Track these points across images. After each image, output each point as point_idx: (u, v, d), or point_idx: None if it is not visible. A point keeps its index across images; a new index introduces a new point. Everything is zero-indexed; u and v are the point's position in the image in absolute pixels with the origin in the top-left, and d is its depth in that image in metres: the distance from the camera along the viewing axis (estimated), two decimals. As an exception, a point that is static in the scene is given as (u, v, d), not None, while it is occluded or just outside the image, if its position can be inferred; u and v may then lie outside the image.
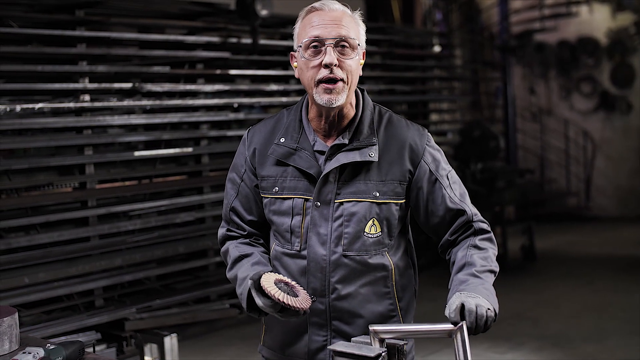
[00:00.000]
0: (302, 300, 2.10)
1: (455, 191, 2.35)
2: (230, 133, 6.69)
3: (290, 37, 7.40)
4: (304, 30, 2.26)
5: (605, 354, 5.54)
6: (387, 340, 1.98)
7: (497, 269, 2.27)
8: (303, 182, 2.30)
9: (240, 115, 6.81)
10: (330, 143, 2.31)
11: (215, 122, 6.67)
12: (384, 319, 2.33)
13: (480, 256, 2.27)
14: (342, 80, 2.23)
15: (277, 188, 2.33)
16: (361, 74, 2.34)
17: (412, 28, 10.09)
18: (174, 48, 6.34)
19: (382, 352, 1.93)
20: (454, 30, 11.28)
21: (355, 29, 2.28)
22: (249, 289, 2.20)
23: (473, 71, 11.93)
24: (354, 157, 2.26)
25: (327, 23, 2.24)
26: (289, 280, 2.16)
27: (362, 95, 2.38)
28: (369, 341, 1.99)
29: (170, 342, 5.23)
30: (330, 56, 2.21)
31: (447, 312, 2.02)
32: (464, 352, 1.92)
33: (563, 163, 12.61)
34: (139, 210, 6.07)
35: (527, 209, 9.49)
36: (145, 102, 6.01)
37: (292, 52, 2.34)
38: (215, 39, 6.54)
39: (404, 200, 2.33)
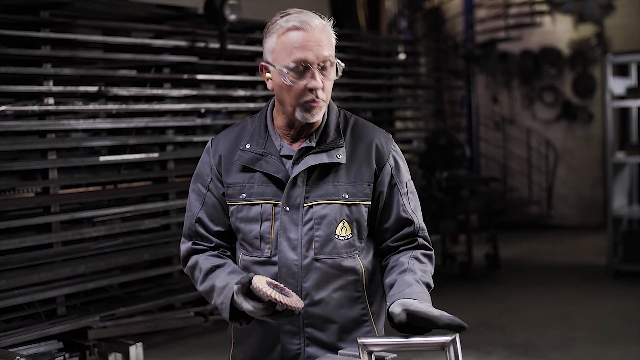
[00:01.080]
0: (295, 300, 2.05)
1: (410, 201, 2.35)
2: (196, 139, 6.60)
3: (258, 42, 7.39)
4: (285, 50, 2.19)
5: (573, 363, 5.56)
6: (375, 353, 1.92)
7: (432, 285, 2.26)
8: (271, 187, 2.27)
9: (207, 121, 6.73)
10: (297, 147, 2.29)
11: (182, 127, 6.58)
12: (357, 324, 2.30)
13: (420, 268, 2.27)
14: (323, 99, 2.21)
15: (244, 194, 2.29)
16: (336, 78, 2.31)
17: (378, 35, 10.08)
18: (140, 52, 6.23)
19: (372, 366, 1.87)
20: (419, 38, 11.29)
21: (332, 44, 2.25)
22: (232, 297, 2.13)
23: (437, 79, 11.97)
24: (322, 159, 2.24)
25: (311, 45, 2.18)
26: (277, 283, 2.10)
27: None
28: (357, 354, 1.93)
29: (136, 351, 5.14)
30: (317, 81, 2.18)
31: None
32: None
33: (525, 172, 12.70)
34: (103, 217, 5.95)
35: (491, 218, 9.51)
36: (111, 106, 5.90)
37: (263, 63, 2.27)
38: (182, 43, 6.45)
39: (372, 202, 2.31)
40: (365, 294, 2.32)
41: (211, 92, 6.80)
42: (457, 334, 1.94)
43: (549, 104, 12.55)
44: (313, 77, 2.17)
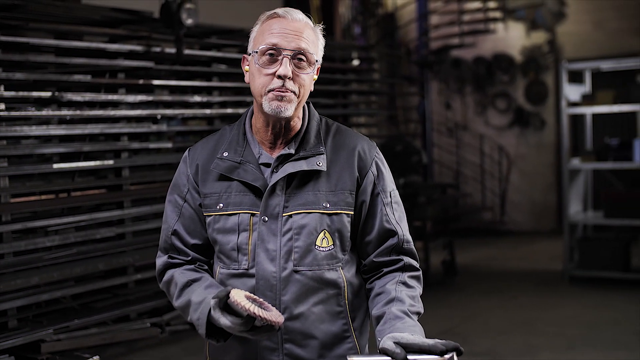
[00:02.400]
0: (275, 315, 1.94)
1: (395, 211, 2.26)
2: (152, 145, 6.45)
3: (214, 47, 7.27)
4: (261, 36, 2.15)
5: (537, 370, 5.54)
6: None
7: (422, 311, 2.18)
8: (249, 196, 2.17)
9: (163, 127, 6.58)
10: (275, 155, 2.20)
11: (137, 133, 6.42)
12: (338, 340, 2.20)
13: (409, 294, 2.17)
14: (293, 92, 2.13)
15: (221, 204, 2.19)
16: (312, 89, 2.24)
17: (332, 41, 10.02)
18: (95, 56, 6.06)
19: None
20: (374, 44, 11.27)
21: (315, 43, 2.19)
22: (209, 312, 2.03)
23: (390, 86, 11.96)
24: (301, 166, 2.16)
25: (287, 32, 2.13)
26: (256, 297, 2.00)
27: (309, 107, 2.30)
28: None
29: (92, 365, 4.96)
30: (286, 68, 2.11)
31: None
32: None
33: (478, 178, 12.77)
34: (57, 226, 5.76)
35: (447, 224, 9.51)
36: (65, 112, 5.72)
37: (244, 55, 2.23)
38: (138, 48, 6.30)
39: (354, 212, 2.22)
40: (347, 308, 2.22)
41: (168, 98, 6.65)
42: (455, 353, 1.86)
43: (502, 111, 12.63)
44: (283, 63, 2.11)
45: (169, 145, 6.64)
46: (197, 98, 6.81)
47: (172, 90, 6.95)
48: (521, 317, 6.95)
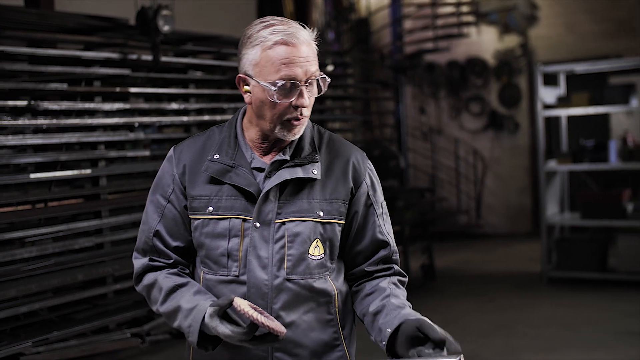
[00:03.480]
0: (278, 324, 1.91)
1: (386, 222, 2.27)
2: (130, 154, 6.39)
3: (190, 54, 7.22)
4: (271, 65, 2.05)
5: (520, 372, 5.56)
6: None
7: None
8: (240, 201, 2.13)
9: (141, 135, 6.52)
10: (269, 160, 2.17)
11: (114, 142, 6.35)
12: (328, 348, 2.19)
13: (401, 293, 2.21)
14: (306, 117, 2.13)
15: (211, 208, 2.14)
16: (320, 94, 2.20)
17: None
18: (70, 64, 5.99)
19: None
20: (349, 49, 11.27)
21: (316, 57, 2.13)
22: (202, 320, 2.00)
23: (365, 91, 11.97)
24: (297, 173, 2.13)
25: (299, 60, 2.05)
26: (256, 307, 1.96)
27: None
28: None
29: (74, 377, 4.90)
30: (305, 99, 2.07)
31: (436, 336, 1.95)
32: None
33: (454, 182, 12.81)
34: (34, 237, 5.68)
35: (425, 228, 9.52)
36: (41, 121, 5.64)
37: (242, 75, 2.13)
38: (114, 55, 6.23)
39: (345, 221, 2.21)
40: (338, 317, 2.21)
41: (145, 105, 6.59)
42: (462, 355, 1.85)
43: (476, 114, 12.69)
44: (301, 94, 2.06)
45: (147, 153, 6.58)
46: (174, 105, 6.76)
47: (149, 97, 6.89)
48: (501, 319, 6.96)
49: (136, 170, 6.53)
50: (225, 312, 1.95)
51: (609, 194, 8.38)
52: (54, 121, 5.75)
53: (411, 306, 2.16)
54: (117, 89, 6.28)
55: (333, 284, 2.19)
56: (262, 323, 1.86)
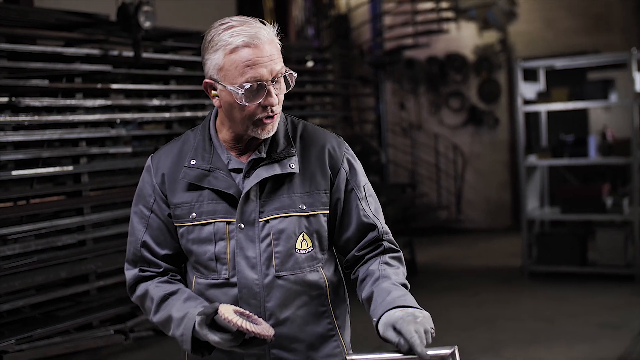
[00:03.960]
0: (265, 328, 1.92)
1: (370, 205, 2.25)
2: (112, 150, 6.36)
3: (171, 50, 7.20)
4: (235, 69, 2.02)
5: (504, 365, 5.60)
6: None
7: (409, 286, 2.19)
8: (222, 204, 2.12)
9: (122, 132, 6.49)
10: (245, 160, 2.16)
11: (95, 138, 6.32)
12: (324, 339, 2.21)
13: (393, 271, 2.18)
14: (277, 114, 2.11)
15: (194, 214, 2.13)
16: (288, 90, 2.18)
17: (286, 43, 10.00)
18: (51, 60, 5.96)
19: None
20: (329, 46, 11.28)
21: (280, 54, 2.09)
22: (193, 328, 2.00)
23: (345, 87, 11.98)
24: (274, 170, 2.12)
25: (263, 60, 2.02)
26: (244, 310, 1.97)
27: None
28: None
29: (58, 374, 4.88)
30: (273, 98, 2.05)
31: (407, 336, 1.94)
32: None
33: (434, 177, 12.86)
34: (16, 234, 5.64)
35: (406, 223, 9.56)
36: (22, 118, 5.61)
37: (207, 80, 2.10)
38: (95, 52, 6.20)
39: (329, 210, 2.21)
40: (331, 307, 2.22)
41: (126, 102, 6.56)
42: (456, 347, 1.87)
43: (456, 110, 12.74)
44: (269, 94, 2.04)
45: (129, 150, 6.56)
46: (155, 102, 6.74)
47: (130, 94, 6.87)
48: (483, 314, 7.01)
49: (118, 167, 6.51)
50: (213, 320, 1.94)
51: (589, 189, 8.45)
52: (35, 118, 5.71)
53: (403, 283, 2.16)
54: (99, 86, 6.25)
55: (324, 275, 2.20)
56: (247, 329, 1.86)
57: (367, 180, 2.30)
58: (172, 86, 6.99)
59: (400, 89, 13.06)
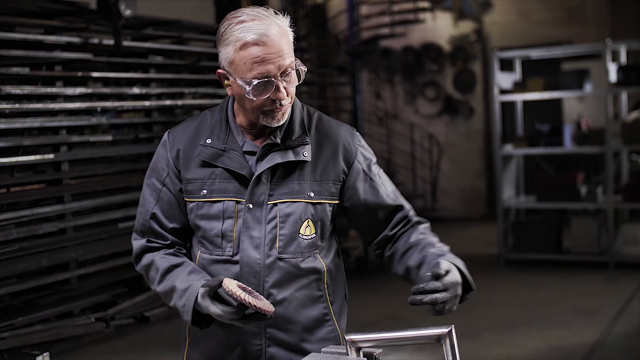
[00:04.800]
0: (267, 304, 1.98)
1: (387, 188, 2.33)
2: (92, 139, 6.36)
3: (150, 39, 7.20)
4: (244, 65, 2.07)
5: (483, 350, 5.68)
6: (364, 349, 1.87)
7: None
8: (233, 183, 2.19)
9: (103, 120, 6.50)
10: (260, 143, 2.22)
11: (76, 127, 6.32)
12: (319, 323, 2.27)
13: (434, 239, 2.29)
14: (287, 105, 2.16)
15: (205, 191, 2.20)
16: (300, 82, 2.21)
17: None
18: (32, 48, 5.94)
19: (363, 362, 1.83)
20: (305, 35, 11.30)
21: (291, 47, 2.14)
22: (195, 299, 2.06)
23: (321, 76, 12.01)
24: (288, 156, 2.18)
25: (272, 57, 2.06)
26: (245, 286, 2.03)
27: None
28: (344, 351, 1.88)
29: (42, 362, 4.88)
30: (281, 92, 2.09)
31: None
32: (453, 357, 1.85)
33: (409, 166, 12.94)
34: (-3, 222, 5.65)
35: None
36: (3, 106, 5.59)
37: (221, 71, 2.16)
38: (75, 40, 6.19)
39: (337, 202, 2.27)
40: (327, 292, 2.28)
41: (107, 90, 6.56)
42: (453, 325, 1.92)
43: (431, 99, 12.83)
44: (277, 89, 2.09)
45: (109, 138, 6.56)
46: (135, 90, 6.74)
47: (111, 82, 6.86)
48: (461, 301, 7.08)
49: (98, 155, 6.51)
50: (216, 292, 2.00)
51: (563, 177, 8.57)
52: (16, 106, 5.70)
53: (446, 247, 2.25)
54: (79, 74, 6.25)
55: (323, 261, 2.26)
56: (249, 303, 1.92)
57: (378, 166, 2.37)
58: (152, 74, 6.99)
59: (376, 79, 13.12)
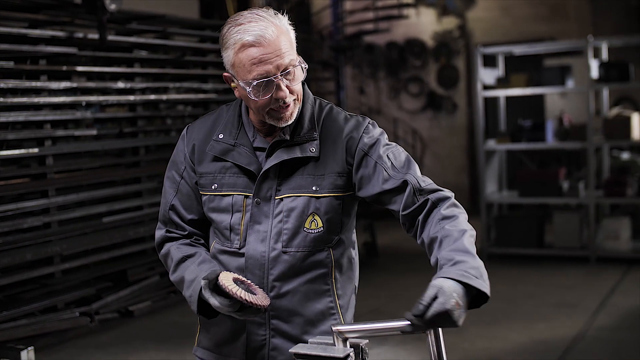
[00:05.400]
0: (261, 298, 2.03)
1: (394, 164, 2.21)
2: (77, 133, 6.36)
3: (135, 33, 7.19)
4: (243, 67, 2.10)
5: (466, 343, 5.74)
6: (350, 340, 1.90)
7: (473, 232, 2.12)
8: (242, 178, 2.23)
9: (88, 114, 6.49)
10: (270, 140, 2.24)
11: (60, 121, 6.32)
12: (324, 317, 2.29)
13: (451, 225, 2.10)
14: (292, 101, 2.16)
15: (215, 185, 2.26)
16: (303, 78, 2.21)
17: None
18: (16, 42, 5.92)
19: (350, 352, 1.85)
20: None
21: (291, 45, 2.15)
22: (200, 290, 2.12)
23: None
24: (295, 153, 2.20)
25: (269, 57, 2.08)
26: (244, 279, 2.08)
27: (303, 88, 2.26)
28: (331, 341, 1.91)
29: (27, 355, 4.89)
30: (282, 91, 2.11)
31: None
32: (437, 349, 1.89)
33: (393, 161, 12.96)
34: (-18, 216, 5.64)
35: (367, 207, 9.66)
36: (-11, 100, 5.59)
37: (226, 74, 2.19)
38: (60, 34, 6.18)
39: (347, 194, 2.25)
40: (334, 287, 2.29)
41: (92, 84, 6.56)
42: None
43: (415, 95, 12.88)
44: (278, 88, 2.11)
45: (94, 132, 6.56)
46: (120, 84, 6.74)
47: (95, 76, 6.86)
48: (444, 295, 7.13)
49: (83, 150, 6.51)
50: (216, 285, 2.05)
51: (546, 173, 8.64)
52: (1, 99, 5.69)
53: (468, 233, 2.08)
54: (64, 68, 6.24)
55: (332, 256, 2.28)
56: (241, 297, 1.98)
57: (392, 145, 2.27)
58: (137, 69, 6.99)
59: (360, 74, 13.16)
